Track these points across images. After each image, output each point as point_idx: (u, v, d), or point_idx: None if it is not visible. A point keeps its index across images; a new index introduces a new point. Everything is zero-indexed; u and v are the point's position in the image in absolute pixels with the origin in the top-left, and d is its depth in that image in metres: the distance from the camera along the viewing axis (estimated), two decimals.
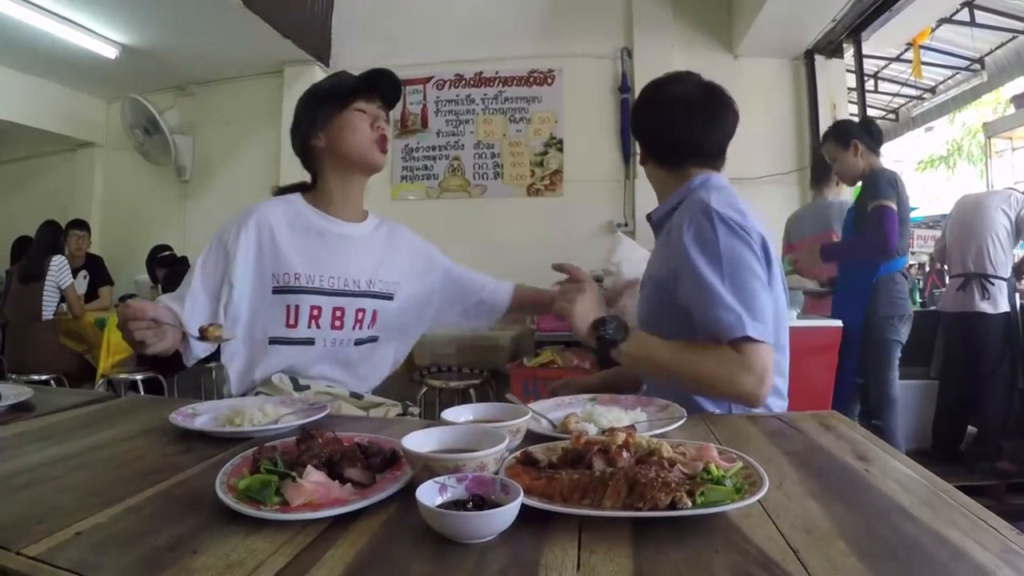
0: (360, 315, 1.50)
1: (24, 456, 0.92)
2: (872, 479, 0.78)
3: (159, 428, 1.06)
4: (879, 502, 0.71)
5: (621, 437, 0.74)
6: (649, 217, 1.45)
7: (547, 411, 1.03)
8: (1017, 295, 3.57)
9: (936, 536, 0.62)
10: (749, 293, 1.15)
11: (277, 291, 1.43)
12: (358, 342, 1.51)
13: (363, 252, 1.53)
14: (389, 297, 1.55)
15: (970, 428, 3.65)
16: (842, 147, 2.88)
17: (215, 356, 1.43)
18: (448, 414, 0.88)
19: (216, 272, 1.40)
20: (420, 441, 0.74)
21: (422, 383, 3.79)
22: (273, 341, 1.43)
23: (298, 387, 1.39)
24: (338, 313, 1.46)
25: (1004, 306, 3.42)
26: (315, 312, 1.44)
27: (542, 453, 0.76)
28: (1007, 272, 3.45)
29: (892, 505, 0.70)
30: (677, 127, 1.35)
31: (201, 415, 1.08)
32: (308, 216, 1.50)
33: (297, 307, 1.43)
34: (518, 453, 0.77)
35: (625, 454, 0.70)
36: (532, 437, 0.92)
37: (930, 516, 0.67)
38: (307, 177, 1.59)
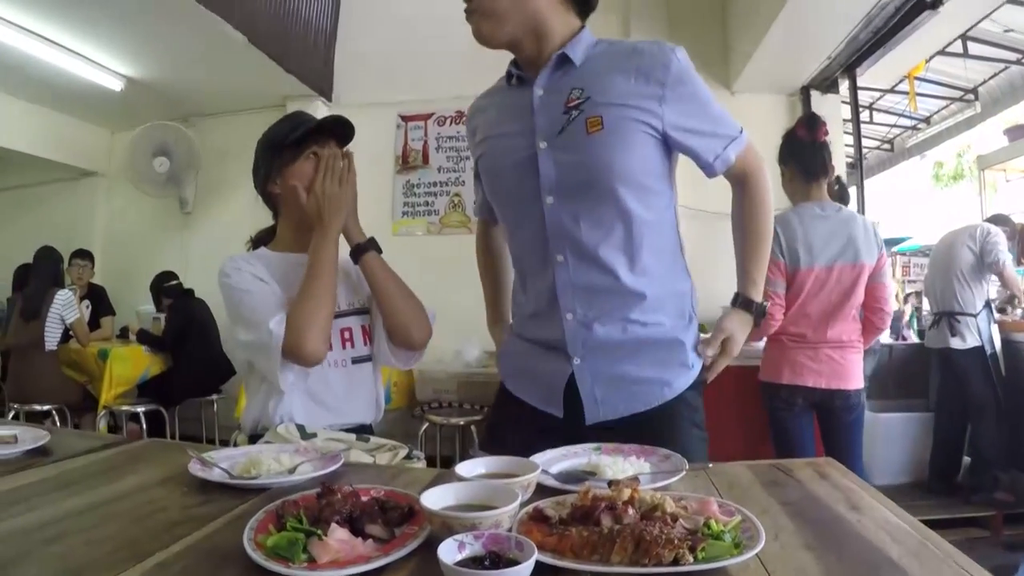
0: (347, 334, 1.51)
1: (49, 506, 0.94)
2: (863, 530, 0.82)
3: (177, 476, 1.08)
4: (869, 554, 0.75)
5: (627, 493, 0.78)
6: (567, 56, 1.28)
7: (553, 461, 1.07)
8: (995, 328, 3.65)
9: None
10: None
11: None
12: (356, 360, 1.51)
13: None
14: (366, 311, 1.56)
15: (965, 459, 3.69)
16: None
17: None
18: (461, 468, 0.92)
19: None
20: (437, 498, 0.79)
21: (423, 419, 3.82)
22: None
23: (305, 435, 1.37)
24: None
25: (974, 341, 3.51)
26: None
27: (552, 509, 0.80)
28: (975, 308, 3.55)
29: (881, 557, 0.74)
30: None
31: (218, 464, 1.11)
32: (278, 264, 1.48)
33: None
34: (530, 508, 0.81)
35: (631, 511, 0.75)
36: (539, 488, 0.95)
37: (916, 568, 0.71)
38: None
